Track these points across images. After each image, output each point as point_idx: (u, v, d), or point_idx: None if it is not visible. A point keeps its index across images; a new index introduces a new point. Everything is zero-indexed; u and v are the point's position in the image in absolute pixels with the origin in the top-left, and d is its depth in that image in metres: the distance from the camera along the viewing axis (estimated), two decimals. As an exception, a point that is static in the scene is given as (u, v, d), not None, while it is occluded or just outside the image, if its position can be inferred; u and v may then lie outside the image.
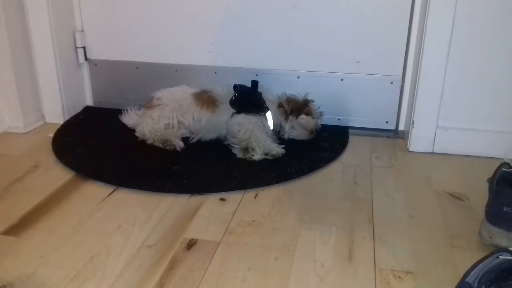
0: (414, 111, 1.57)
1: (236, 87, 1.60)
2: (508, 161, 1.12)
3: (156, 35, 1.84)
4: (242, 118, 1.57)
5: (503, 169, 1.11)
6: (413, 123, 1.58)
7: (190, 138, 1.63)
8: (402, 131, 1.75)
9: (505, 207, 1.06)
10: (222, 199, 1.30)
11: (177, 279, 0.99)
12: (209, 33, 1.79)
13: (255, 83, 1.63)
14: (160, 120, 1.61)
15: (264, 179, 1.39)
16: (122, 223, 1.18)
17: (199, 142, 1.63)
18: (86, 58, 1.92)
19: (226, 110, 1.60)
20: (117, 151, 1.58)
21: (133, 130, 1.66)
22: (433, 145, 1.58)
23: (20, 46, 1.71)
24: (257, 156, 1.50)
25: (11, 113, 1.75)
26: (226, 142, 1.58)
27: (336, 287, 0.97)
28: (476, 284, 0.81)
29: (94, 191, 1.34)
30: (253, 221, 1.20)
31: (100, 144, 1.63)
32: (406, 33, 1.65)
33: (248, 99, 1.61)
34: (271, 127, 1.61)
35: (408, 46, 1.66)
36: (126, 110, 1.78)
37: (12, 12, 1.66)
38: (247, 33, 1.76)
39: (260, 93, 1.63)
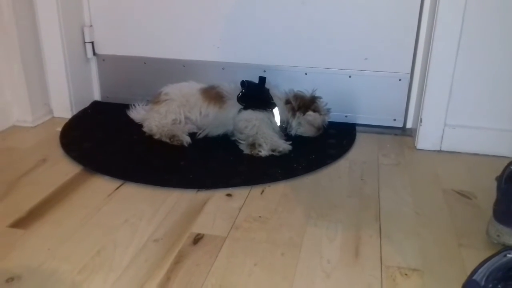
0: (422, 109, 1.56)
1: (243, 83, 1.60)
2: (517, 160, 1.11)
3: (164, 30, 1.84)
4: (249, 114, 1.57)
5: (511, 167, 1.11)
6: (421, 121, 1.57)
7: (197, 134, 1.63)
8: (410, 129, 1.74)
9: (513, 205, 1.05)
10: (229, 195, 1.30)
11: (183, 273, 0.99)
12: (217, 28, 1.79)
13: (262, 79, 1.63)
14: (168, 115, 1.61)
15: (271, 175, 1.39)
16: (129, 217, 1.19)
17: (206, 137, 1.63)
18: (94, 53, 1.93)
19: (233, 106, 1.60)
20: (124, 146, 1.59)
21: (141, 125, 1.67)
22: (441, 143, 1.58)
23: (29, 41, 1.72)
24: (264, 152, 1.50)
25: (19, 107, 1.76)
26: (233, 138, 1.58)
27: (342, 283, 0.97)
28: (483, 282, 0.81)
29: (102, 185, 1.35)
30: (260, 216, 1.20)
31: (108, 139, 1.64)
32: (415, 30, 1.64)
33: (255, 95, 1.61)
34: (278, 123, 1.61)
35: (417, 43, 1.65)
36: (134, 105, 1.78)
37: (21, 7, 1.67)
38: (255, 29, 1.76)
39: (268, 89, 1.63)
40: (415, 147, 1.60)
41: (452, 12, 1.45)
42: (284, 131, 1.63)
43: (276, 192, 1.32)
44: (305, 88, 1.66)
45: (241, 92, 1.59)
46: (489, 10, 1.44)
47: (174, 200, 1.27)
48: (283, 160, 1.49)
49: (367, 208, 1.24)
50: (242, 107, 1.59)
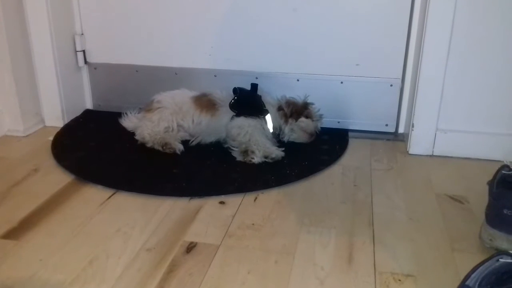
0: (414, 114, 1.57)
1: (235, 90, 1.60)
2: (508, 164, 1.12)
3: (156, 38, 1.84)
4: (242, 121, 1.57)
5: (503, 171, 1.11)
6: (412, 126, 1.58)
7: (190, 141, 1.63)
8: (402, 134, 1.75)
9: (505, 209, 1.05)
10: (222, 202, 1.30)
11: (176, 283, 0.98)
12: (208, 36, 1.79)
13: (254, 86, 1.64)
14: (160, 123, 1.61)
15: (264, 182, 1.39)
16: (122, 226, 1.18)
17: (198, 145, 1.63)
18: (85, 62, 1.92)
19: (225, 113, 1.60)
20: (116, 154, 1.58)
21: (133, 133, 1.66)
22: (433, 147, 1.58)
23: (19, 49, 1.71)
24: (257, 159, 1.50)
25: (10, 116, 1.75)
26: (226, 145, 1.58)
27: (336, 290, 0.97)
28: (476, 287, 0.81)
29: (94, 195, 1.34)
30: (253, 224, 1.19)
31: (100, 148, 1.63)
32: (406, 35, 1.65)
33: (247, 102, 1.61)
34: (271, 130, 1.61)
35: (408, 49, 1.67)
36: (126, 113, 1.78)
37: (11, 15, 1.66)
38: (247, 36, 1.76)
39: (260, 96, 1.63)
40: (407, 152, 1.61)
41: (442, 17, 1.46)
42: (277, 137, 1.63)
43: (269, 199, 1.32)
44: (297, 94, 1.67)
45: (233, 99, 1.59)
46: (479, 15, 1.45)
47: (167, 209, 1.26)
48: (276, 166, 1.49)
49: (360, 214, 1.24)
50: (234, 114, 1.59)
